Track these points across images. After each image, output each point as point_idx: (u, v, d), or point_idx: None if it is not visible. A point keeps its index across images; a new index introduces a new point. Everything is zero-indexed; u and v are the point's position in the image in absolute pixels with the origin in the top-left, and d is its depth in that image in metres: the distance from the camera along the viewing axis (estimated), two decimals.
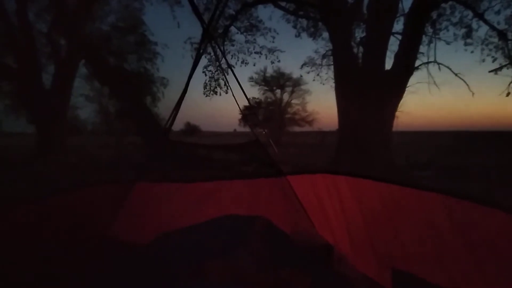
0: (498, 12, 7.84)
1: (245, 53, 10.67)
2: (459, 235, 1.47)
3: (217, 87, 10.37)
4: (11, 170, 7.61)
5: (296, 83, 25.78)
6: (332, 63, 10.16)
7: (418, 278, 1.63)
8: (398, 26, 9.45)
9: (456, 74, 8.66)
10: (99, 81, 12.01)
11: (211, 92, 10.43)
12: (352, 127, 7.49)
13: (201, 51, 2.60)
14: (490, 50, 8.48)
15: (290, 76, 25.45)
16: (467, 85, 8.75)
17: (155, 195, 2.42)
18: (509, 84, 8.06)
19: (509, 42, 8.00)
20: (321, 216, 2.40)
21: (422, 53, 8.71)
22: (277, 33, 10.45)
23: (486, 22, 7.93)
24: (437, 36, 8.84)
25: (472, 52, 8.79)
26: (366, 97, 7.11)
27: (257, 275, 1.94)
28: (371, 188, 1.90)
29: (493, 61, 8.36)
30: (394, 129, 7.73)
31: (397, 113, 7.81)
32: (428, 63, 8.85)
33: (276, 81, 26.20)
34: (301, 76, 31.83)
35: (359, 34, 9.81)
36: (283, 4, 10.04)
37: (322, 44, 12.28)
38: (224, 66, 7.57)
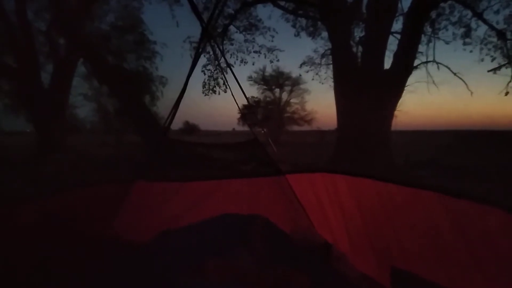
0: (497, 12, 7.90)
1: (244, 52, 10.70)
2: (458, 234, 1.47)
3: (216, 86, 10.39)
4: (10, 170, 7.59)
5: (295, 82, 25.88)
6: (331, 62, 10.20)
7: (417, 276, 1.64)
8: (397, 25, 9.46)
9: (455, 74, 8.72)
10: (98, 80, 12.02)
11: (210, 91, 10.46)
12: (351, 126, 7.49)
13: (200, 50, 2.61)
14: (489, 49, 8.54)
15: (289, 75, 25.55)
16: (466, 84, 8.82)
17: (155, 195, 2.42)
18: (508, 84, 8.12)
19: (508, 41, 8.03)
20: (320, 215, 2.40)
21: (421, 52, 8.76)
22: (276, 32, 10.49)
23: (485, 21, 7.95)
24: (436, 36, 8.89)
25: (471, 51, 8.85)
26: (365, 97, 7.11)
27: (257, 274, 1.94)
28: (370, 187, 1.90)
29: (492, 60, 8.43)
30: (393, 128, 7.76)
31: (396, 113, 7.83)
32: (427, 62, 8.90)
33: (275, 80, 26.25)
34: (300, 75, 31.93)
35: (358, 33, 9.86)
36: (282, 3, 10.07)
37: (321, 44, 12.36)
38: (223, 65, 7.60)
